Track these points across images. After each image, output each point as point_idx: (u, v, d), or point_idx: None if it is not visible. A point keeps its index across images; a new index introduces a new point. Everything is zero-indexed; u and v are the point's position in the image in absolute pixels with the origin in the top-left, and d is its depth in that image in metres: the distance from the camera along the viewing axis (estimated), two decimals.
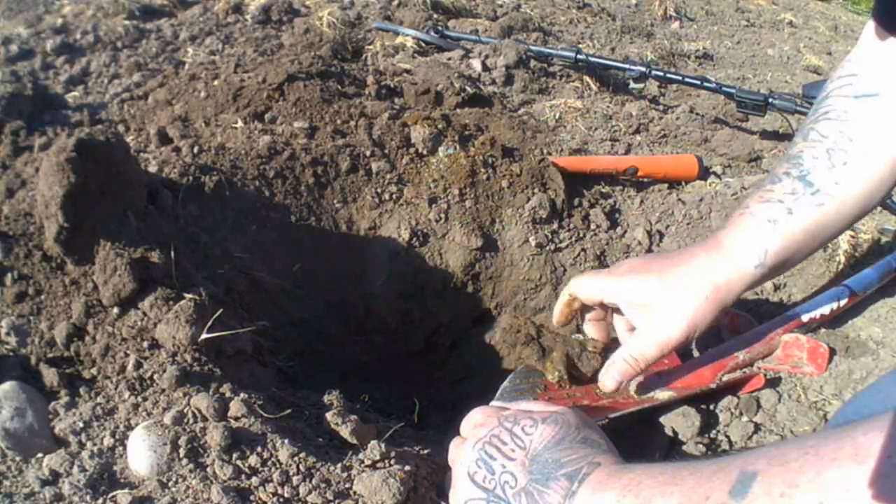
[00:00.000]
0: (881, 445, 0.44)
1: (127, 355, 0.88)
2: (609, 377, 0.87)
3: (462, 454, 0.73)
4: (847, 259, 1.30)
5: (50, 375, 0.85)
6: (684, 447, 0.93)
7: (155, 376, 0.86)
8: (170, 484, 0.73)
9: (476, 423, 0.76)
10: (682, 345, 0.84)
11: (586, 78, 1.94)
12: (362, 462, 0.79)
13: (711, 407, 1.00)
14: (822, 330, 1.11)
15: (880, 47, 0.82)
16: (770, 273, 0.85)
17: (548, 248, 1.43)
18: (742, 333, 1.10)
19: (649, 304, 0.84)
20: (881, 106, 0.82)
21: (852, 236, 1.35)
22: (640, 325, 0.85)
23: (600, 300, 0.90)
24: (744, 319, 1.13)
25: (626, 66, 1.83)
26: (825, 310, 1.09)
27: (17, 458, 0.75)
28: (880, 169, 0.82)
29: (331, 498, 0.74)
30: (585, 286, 0.91)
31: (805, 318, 1.07)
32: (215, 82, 1.58)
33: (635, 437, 0.96)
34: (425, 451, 0.87)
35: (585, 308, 0.95)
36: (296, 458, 0.76)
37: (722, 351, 1.03)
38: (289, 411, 0.85)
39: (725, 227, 0.87)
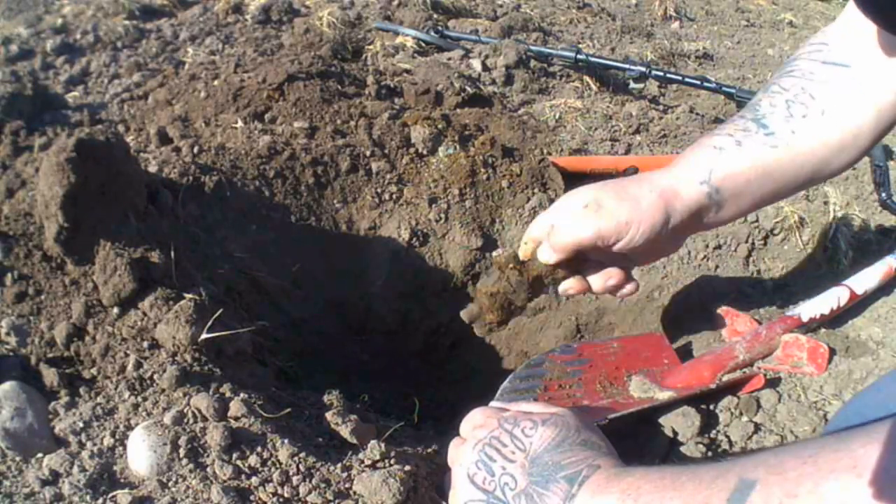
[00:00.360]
0: (879, 458, 0.44)
1: (127, 355, 0.88)
2: (545, 250, 0.88)
3: (462, 455, 0.73)
4: (847, 259, 1.30)
5: (50, 375, 0.85)
6: (684, 447, 0.93)
7: (155, 376, 0.86)
8: (170, 484, 0.73)
9: (476, 424, 0.76)
10: (621, 237, 0.84)
11: (586, 78, 1.93)
12: (362, 462, 0.79)
13: (711, 407, 1.00)
14: (822, 330, 1.11)
15: (855, 24, 0.83)
16: (721, 200, 0.85)
17: None
18: (742, 333, 1.10)
19: (600, 202, 0.85)
20: (849, 76, 0.83)
21: (852, 236, 1.35)
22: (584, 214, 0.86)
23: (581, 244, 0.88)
24: (743, 319, 1.13)
25: (626, 66, 1.83)
26: (825, 309, 1.09)
27: (17, 458, 0.75)
28: (840, 133, 0.83)
29: (331, 498, 0.74)
30: (566, 237, 0.87)
31: (805, 317, 1.07)
32: (215, 82, 1.58)
33: (635, 438, 0.96)
34: (425, 451, 0.87)
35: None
36: (296, 458, 0.76)
37: (722, 351, 1.03)
38: (288, 411, 0.85)
39: (677, 157, 0.90)
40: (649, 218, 0.83)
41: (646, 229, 0.83)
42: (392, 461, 0.79)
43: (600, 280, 0.91)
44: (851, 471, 0.45)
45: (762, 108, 0.87)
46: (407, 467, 0.78)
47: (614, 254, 0.87)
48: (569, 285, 0.91)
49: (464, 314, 0.98)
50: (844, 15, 0.86)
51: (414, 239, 1.39)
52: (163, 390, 0.84)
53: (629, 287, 0.92)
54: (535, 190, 1.45)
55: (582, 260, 0.90)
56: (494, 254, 0.93)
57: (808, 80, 0.85)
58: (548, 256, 0.88)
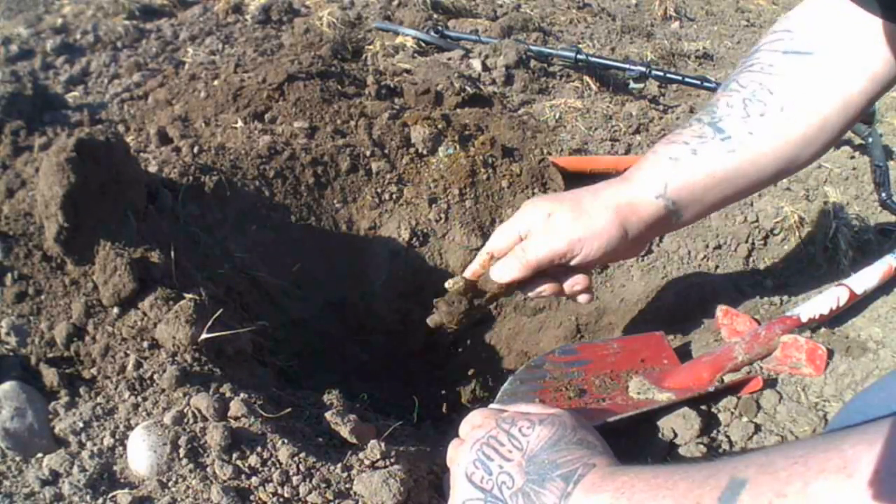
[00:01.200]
0: (869, 459, 0.45)
1: (127, 355, 0.88)
2: (498, 269, 0.88)
3: (460, 455, 0.73)
4: (847, 259, 1.30)
5: (50, 375, 0.85)
6: (684, 448, 0.93)
7: (155, 376, 0.86)
8: (170, 484, 0.73)
9: (474, 424, 0.76)
10: (575, 254, 0.84)
11: (586, 78, 1.93)
12: (362, 462, 0.79)
13: (711, 408, 1.00)
14: (822, 330, 1.11)
15: (819, 9, 0.81)
16: (679, 209, 0.84)
17: None
18: (741, 333, 1.10)
19: (555, 219, 0.85)
20: (812, 64, 0.80)
21: (852, 236, 1.35)
22: (541, 230, 0.86)
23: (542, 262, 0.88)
24: (743, 319, 1.13)
25: (626, 66, 1.83)
26: (824, 309, 1.09)
27: (17, 458, 0.75)
28: (803, 127, 0.80)
29: (331, 498, 0.74)
30: (540, 250, 0.87)
31: (804, 318, 1.07)
32: (215, 82, 1.58)
33: (635, 438, 0.96)
34: (425, 450, 0.87)
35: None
36: (296, 458, 0.76)
37: (721, 352, 1.03)
38: (289, 411, 0.85)
39: (633, 167, 0.89)
40: (605, 234, 0.83)
41: (601, 244, 0.83)
42: (392, 461, 0.80)
43: (568, 285, 0.91)
44: (841, 471, 0.45)
45: (719, 109, 0.85)
46: (407, 467, 0.78)
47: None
48: (542, 287, 0.90)
49: (429, 320, 0.99)
50: (809, 13, 0.83)
51: (414, 239, 1.39)
52: (163, 390, 0.84)
53: (587, 296, 0.93)
54: (535, 190, 1.45)
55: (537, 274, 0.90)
56: (447, 284, 0.95)
57: (766, 73, 0.83)
58: (509, 274, 0.87)
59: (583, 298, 0.93)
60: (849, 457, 0.46)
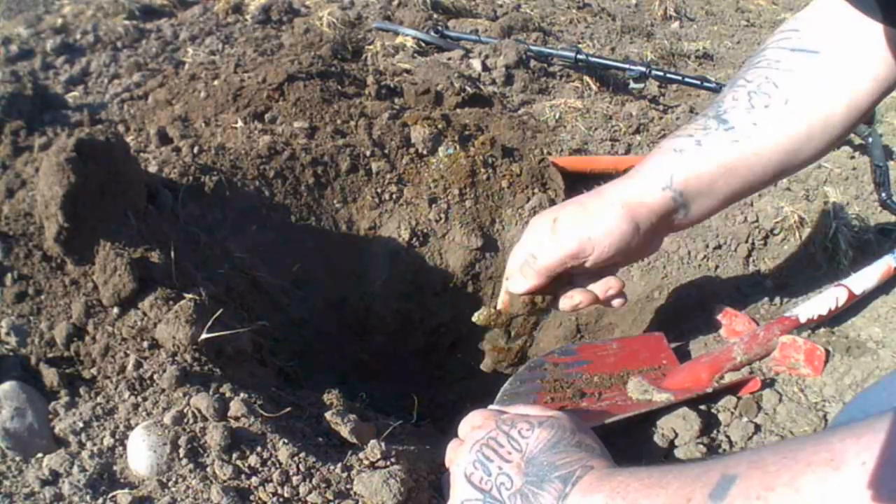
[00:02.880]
0: (856, 451, 0.45)
1: (127, 355, 0.88)
2: (514, 282, 0.88)
3: (459, 455, 0.73)
4: (847, 259, 1.30)
5: (50, 375, 0.85)
6: (684, 449, 0.93)
7: (155, 376, 0.86)
8: (170, 484, 0.73)
9: (474, 425, 0.76)
10: (588, 254, 0.83)
11: (586, 78, 1.93)
12: (362, 462, 0.79)
13: (711, 408, 1.00)
14: (822, 330, 1.11)
15: (827, 9, 0.81)
16: (687, 202, 0.84)
17: None
18: (740, 334, 1.10)
19: (561, 222, 0.85)
20: (818, 62, 0.80)
21: (852, 236, 1.35)
22: (549, 236, 0.86)
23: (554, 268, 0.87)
24: (742, 319, 1.13)
25: (626, 66, 1.83)
26: (823, 310, 1.09)
27: (17, 458, 0.75)
28: (806, 121, 0.80)
29: (331, 498, 0.74)
30: (551, 256, 0.86)
31: (803, 318, 1.07)
32: (215, 82, 1.58)
33: (635, 439, 0.96)
34: (425, 450, 0.87)
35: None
36: (296, 458, 0.76)
37: (720, 353, 1.03)
38: (288, 410, 0.85)
39: (638, 164, 0.89)
40: (616, 229, 0.82)
41: (613, 240, 0.82)
42: (392, 461, 0.80)
43: (600, 289, 0.90)
44: (828, 463, 0.46)
45: (724, 103, 0.85)
46: (407, 467, 0.78)
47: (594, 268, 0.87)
48: (577, 300, 0.89)
49: (483, 366, 1.01)
50: (816, 14, 0.84)
51: (414, 239, 1.39)
52: (163, 390, 0.84)
53: (621, 300, 0.92)
54: (535, 190, 1.45)
55: (564, 283, 0.89)
56: (473, 318, 0.95)
57: (773, 69, 0.83)
58: (524, 284, 0.87)
59: (617, 303, 0.91)
60: (836, 450, 0.46)
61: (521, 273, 0.87)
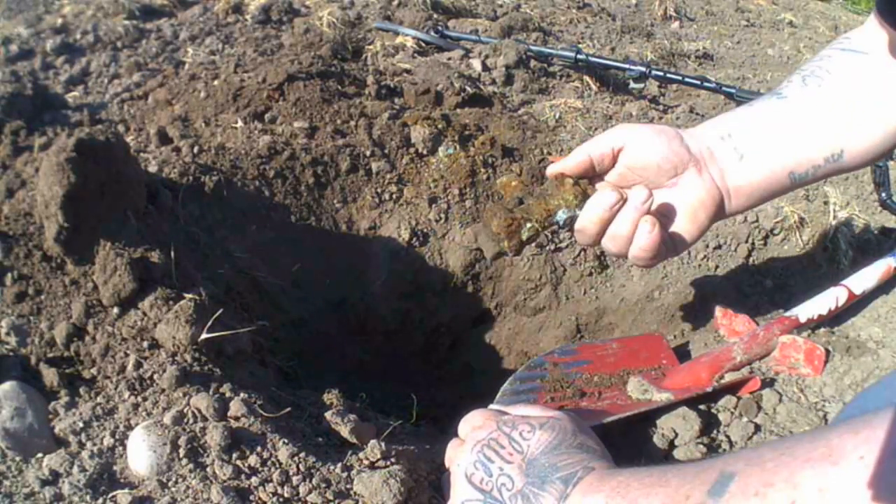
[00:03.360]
0: (853, 446, 0.45)
1: (127, 355, 0.88)
2: (554, 165, 0.89)
3: (460, 456, 0.73)
4: (847, 259, 1.30)
5: (50, 375, 0.85)
6: (684, 448, 0.93)
7: (155, 376, 0.86)
8: (170, 484, 0.73)
9: (474, 425, 0.76)
10: (627, 141, 0.85)
11: (586, 78, 1.93)
12: (362, 461, 0.79)
13: (711, 408, 1.00)
14: (822, 330, 1.11)
15: (877, 28, 0.85)
16: (737, 145, 0.85)
17: (548, 248, 1.43)
18: (740, 334, 1.10)
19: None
20: (866, 60, 0.85)
21: (853, 236, 1.35)
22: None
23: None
24: (742, 319, 1.13)
25: (626, 66, 1.83)
26: (823, 310, 1.09)
27: (17, 458, 0.75)
28: (849, 110, 0.83)
29: (331, 498, 0.74)
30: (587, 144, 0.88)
31: (803, 318, 1.07)
32: (215, 82, 1.58)
33: (634, 439, 0.96)
34: (425, 450, 0.87)
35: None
36: (296, 458, 0.76)
37: (719, 352, 1.03)
38: (288, 410, 0.85)
39: None
40: (660, 129, 0.85)
41: (655, 135, 0.84)
42: (392, 461, 0.80)
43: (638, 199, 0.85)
44: (826, 459, 0.46)
45: (780, 86, 0.89)
46: (407, 467, 0.78)
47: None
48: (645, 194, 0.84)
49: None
50: (868, 23, 0.88)
51: (414, 239, 1.39)
52: (163, 390, 0.84)
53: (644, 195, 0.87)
54: (535, 190, 1.45)
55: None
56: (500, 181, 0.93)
57: (826, 60, 0.87)
58: (562, 164, 0.88)
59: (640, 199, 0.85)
60: (834, 445, 0.47)
61: (571, 154, 0.89)
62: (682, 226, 0.86)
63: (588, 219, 0.85)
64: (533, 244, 0.91)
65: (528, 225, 0.86)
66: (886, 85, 0.83)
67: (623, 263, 1.44)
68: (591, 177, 0.90)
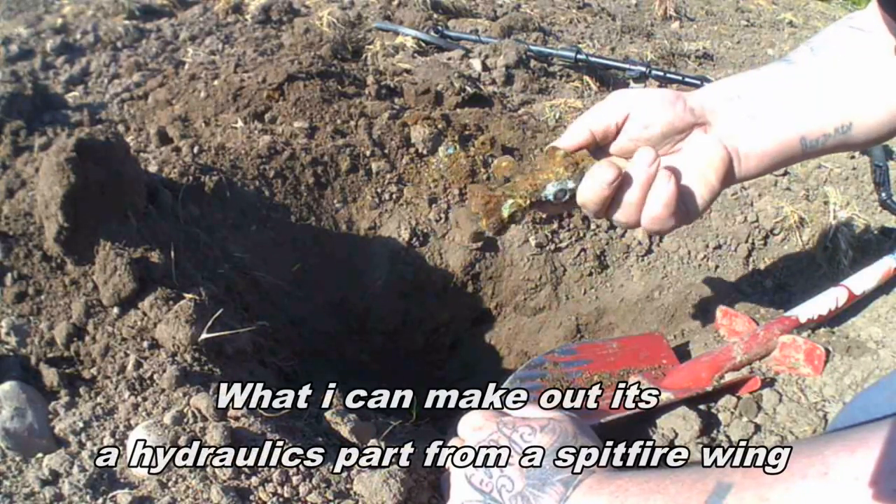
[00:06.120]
0: (848, 464, 0.46)
1: (127, 355, 0.88)
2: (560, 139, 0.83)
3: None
4: (847, 259, 1.30)
5: (50, 375, 0.85)
6: (685, 449, 0.93)
7: (155, 376, 0.86)
8: (170, 484, 0.73)
9: (474, 426, 0.76)
10: (631, 110, 0.79)
11: (586, 78, 1.93)
12: (362, 462, 0.79)
13: (711, 408, 1.00)
14: (822, 330, 1.11)
15: (879, 12, 0.84)
16: (744, 104, 0.82)
17: (548, 248, 1.43)
18: (740, 334, 1.10)
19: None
20: (873, 40, 0.83)
21: (852, 236, 1.35)
22: None
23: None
24: (742, 319, 1.13)
25: (626, 66, 1.83)
26: (823, 310, 1.09)
27: (17, 458, 0.75)
28: (858, 84, 0.82)
29: (331, 498, 0.74)
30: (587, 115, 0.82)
31: (803, 318, 1.07)
32: (215, 82, 1.58)
33: (635, 439, 0.96)
34: (425, 450, 0.87)
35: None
36: (296, 458, 0.76)
37: (719, 352, 1.03)
38: (288, 410, 0.85)
39: None
40: (661, 102, 0.79)
41: (656, 98, 0.79)
42: (392, 460, 0.80)
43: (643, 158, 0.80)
44: (822, 477, 0.47)
45: (788, 55, 0.88)
46: (407, 466, 0.78)
47: None
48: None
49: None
50: (871, 6, 0.86)
51: (414, 239, 1.39)
52: (163, 390, 0.84)
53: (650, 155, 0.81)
54: None
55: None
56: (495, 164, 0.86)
57: (833, 34, 0.86)
58: (566, 138, 0.80)
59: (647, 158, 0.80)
60: (830, 462, 0.47)
61: (569, 129, 0.83)
62: (694, 189, 0.81)
63: (587, 198, 0.79)
64: (520, 224, 0.84)
65: (510, 202, 0.78)
66: (891, 68, 0.81)
67: (623, 264, 1.44)
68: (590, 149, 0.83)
